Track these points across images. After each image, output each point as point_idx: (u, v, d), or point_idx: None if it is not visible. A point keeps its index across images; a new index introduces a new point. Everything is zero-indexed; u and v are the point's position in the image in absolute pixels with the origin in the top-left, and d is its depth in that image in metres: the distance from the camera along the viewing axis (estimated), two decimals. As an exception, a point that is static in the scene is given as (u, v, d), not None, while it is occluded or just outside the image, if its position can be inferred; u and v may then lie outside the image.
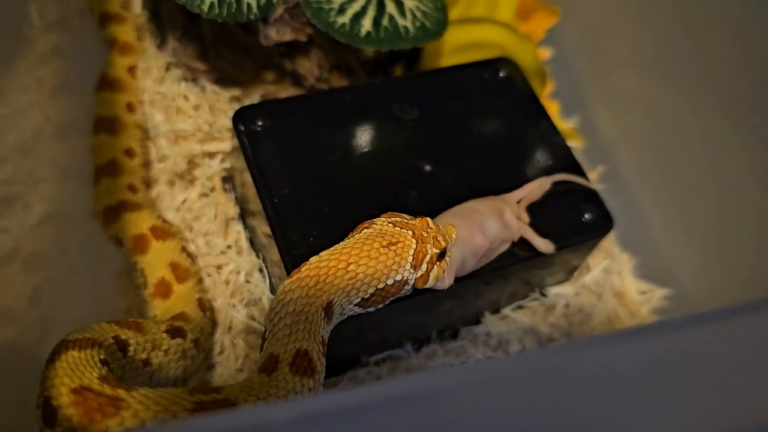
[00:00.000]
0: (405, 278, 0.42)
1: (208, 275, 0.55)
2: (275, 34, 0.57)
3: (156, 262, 0.54)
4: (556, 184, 0.55)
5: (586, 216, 0.54)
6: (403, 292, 0.44)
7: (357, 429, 0.24)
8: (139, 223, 0.56)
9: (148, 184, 0.62)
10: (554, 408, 0.26)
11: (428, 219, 0.44)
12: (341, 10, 0.57)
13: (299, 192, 0.50)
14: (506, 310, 0.59)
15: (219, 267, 0.55)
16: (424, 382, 0.27)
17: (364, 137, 0.54)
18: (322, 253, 0.42)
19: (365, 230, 0.44)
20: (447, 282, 0.45)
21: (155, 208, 0.59)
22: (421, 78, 0.59)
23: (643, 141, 0.72)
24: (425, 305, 0.51)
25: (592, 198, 0.55)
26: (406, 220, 0.44)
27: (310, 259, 0.42)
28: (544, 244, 0.51)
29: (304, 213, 0.49)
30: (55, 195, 0.57)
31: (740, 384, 0.28)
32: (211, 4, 0.52)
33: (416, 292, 0.46)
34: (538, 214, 0.53)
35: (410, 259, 0.42)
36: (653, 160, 0.71)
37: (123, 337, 0.41)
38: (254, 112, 0.53)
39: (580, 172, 0.56)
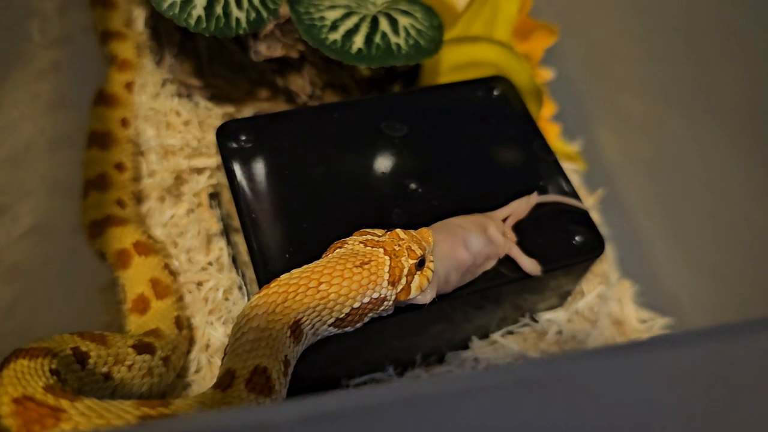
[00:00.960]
0: (382, 295, 0.41)
1: (189, 292, 0.54)
2: (266, 49, 0.57)
3: (137, 277, 0.53)
4: (547, 205, 0.53)
5: (577, 238, 0.52)
6: (381, 309, 0.42)
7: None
8: (123, 238, 0.55)
9: (139, 199, 0.62)
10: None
11: (398, 231, 0.43)
12: (334, 26, 0.57)
13: (279, 208, 0.49)
14: (495, 335, 0.57)
15: (199, 284, 0.54)
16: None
17: (349, 154, 0.53)
18: (293, 271, 0.41)
19: (338, 249, 0.43)
20: (429, 296, 0.43)
21: (143, 223, 0.59)
22: (413, 95, 0.58)
23: (647, 166, 0.70)
24: (409, 327, 0.50)
25: (583, 220, 0.53)
26: (376, 238, 0.43)
27: (281, 276, 0.41)
28: (530, 265, 0.49)
29: (282, 229, 0.48)
30: (43, 207, 0.57)
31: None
32: (199, 18, 0.52)
33: (398, 311, 0.44)
34: (528, 234, 0.51)
35: (386, 276, 0.41)
36: (657, 185, 0.69)
37: (83, 348, 0.40)
38: (239, 126, 0.52)
39: (573, 194, 0.54)
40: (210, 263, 0.55)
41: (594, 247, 0.52)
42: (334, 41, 0.56)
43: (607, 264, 0.66)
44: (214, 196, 0.60)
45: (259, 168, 0.51)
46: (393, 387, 0.27)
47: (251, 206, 0.49)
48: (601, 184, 0.71)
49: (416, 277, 0.42)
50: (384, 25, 0.58)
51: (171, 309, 0.52)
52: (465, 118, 0.57)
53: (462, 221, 0.48)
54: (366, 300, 0.41)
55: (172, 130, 0.60)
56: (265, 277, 0.46)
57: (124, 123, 0.63)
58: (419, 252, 0.42)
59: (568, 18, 0.75)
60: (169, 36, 0.63)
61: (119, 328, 0.55)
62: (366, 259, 0.41)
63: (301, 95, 0.61)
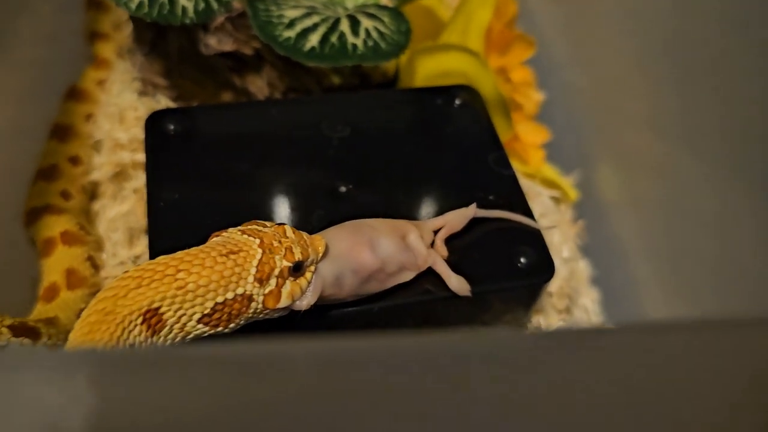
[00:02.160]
0: (248, 293, 0.37)
1: (109, 287, 0.51)
2: (216, 43, 0.55)
3: (55, 266, 0.51)
4: (495, 221, 0.47)
5: (522, 260, 0.46)
6: (254, 312, 0.37)
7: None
8: (54, 226, 0.54)
9: (94, 194, 0.60)
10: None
11: (287, 227, 0.39)
12: (290, 24, 0.54)
13: (191, 202, 0.46)
14: (437, 368, 0.51)
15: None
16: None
17: (280, 152, 0.49)
18: (159, 258, 0.37)
19: (214, 239, 0.39)
20: (306, 300, 0.38)
21: (83, 216, 0.57)
22: (364, 98, 0.54)
23: (647, 206, 0.62)
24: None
25: (533, 240, 0.47)
26: (258, 228, 0.38)
27: (143, 263, 0.37)
28: (457, 282, 0.43)
29: (187, 223, 0.45)
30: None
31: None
32: (140, 3, 0.51)
33: (290, 318, 0.39)
34: (465, 250, 0.46)
35: (253, 270, 0.37)
36: (657, 228, 0.61)
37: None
38: (168, 116, 0.50)
39: (527, 212, 0.48)
40: (132, 259, 0.52)
41: (542, 270, 0.46)
42: (288, 38, 0.53)
43: (589, 305, 0.59)
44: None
45: (181, 159, 0.48)
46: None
47: (161, 196, 0.46)
48: (593, 219, 0.64)
49: (288, 282, 0.37)
50: (344, 25, 0.55)
51: (78, 301, 0.49)
52: (417, 125, 0.52)
53: (377, 223, 0.43)
54: (230, 296, 0.36)
55: (124, 125, 0.59)
56: (157, 269, 0.42)
57: (89, 118, 0.63)
58: (298, 257, 0.37)
59: (573, 40, 0.70)
60: (140, 34, 0.62)
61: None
62: (236, 248, 0.37)
63: (260, 97, 0.58)
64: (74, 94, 0.64)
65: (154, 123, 0.49)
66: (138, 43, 0.63)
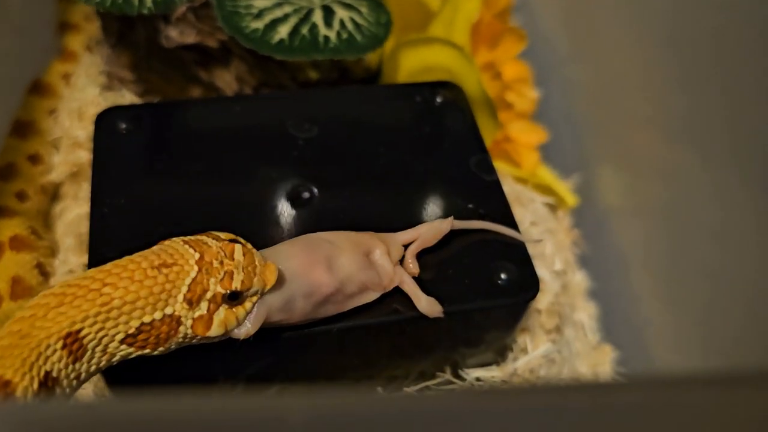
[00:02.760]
0: (177, 314, 0.32)
1: (58, 297, 0.47)
2: (178, 35, 0.51)
3: (0, 273, 0.48)
4: (475, 232, 0.43)
5: (503, 276, 0.41)
6: (183, 335, 0.33)
7: None
8: (4, 230, 0.50)
9: (55, 195, 0.57)
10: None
11: (238, 246, 0.34)
12: (259, 15, 0.50)
13: (138, 205, 0.42)
14: (411, 389, 0.46)
15: (66, 288, 0.48)
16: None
17: (239, 152, 0.45)
18: (88, 271, 0.33)
19: (152, 248, 0.35)
20: (245, 329, 0.34)
21: (38, 219, 0.53)
22: (337, 94, 0.50)
23: (651, 213, 0.57)
24: (269, 360, 0.41)
25: (516, 254, 0.42)
26: (204, 240, 0.34)
27: (71, 278, 0.33)
28: (427, 304, 0.39)
29: (131, 229, 0.41)
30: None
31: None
32: (93, -9, 0.47)
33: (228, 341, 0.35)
34: (438, 265, 0.41)
35: (184, 289, 0.32)
36: (660, 236, 0.56)
37: None
38: (121, 113, 0.46)
39: (511, 222, 0.44)
40: (81, 266, 0.49)
41: (525, 287, 0.41)
42: (255, 30, 0.49)
43: (586, 321, 0.54)
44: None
45: (134, 160, 0.44)
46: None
47: (106, 199, 0.42)
48: (592, 226, 0.59)
49: (222, 309, 0.33)
50: (317, 16, 0.50)
51: (21, 313, 0.45)
52: (392, 125, 0.48)
53: (336, 237, 0.38)
54: (158, 315, 0.32)
55: (83, 122, 0.55)
56: (94, 282, 0.38)
57: (52, 114, 0.59)
58: (236, 286, 0.33)
59: (573, 33, 0.65)
60: (108, 26, 0.58)
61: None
62: (169, 261, 0.33)
63: (228, 93, 0.54)
64: (38, 88, 0.60)
65: (104, 121, 0.45)
66: (105, 35, 0.59)
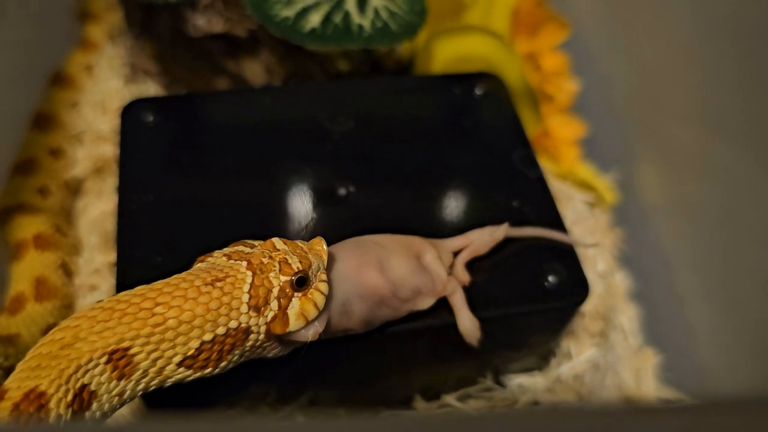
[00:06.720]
0: (244, 325, 0.30)
1: (83, 297, 0.46)
2: (205, 24, 0.49)
3: (24, 273, 0.46)
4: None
5: (551, 279, 0.39)
6: (253, 346, 0.31)
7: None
8: (28, 228, 0.48)
9: (78, 191, 0.55)
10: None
11: (275, 239, 0.32)
12: (289, 2, 0.48)
13: (168, 203, 0.40)
14: (449, 398, 0.44)
15: (92, 287, 0.46)
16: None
17: (271, 147, 0.43)
18: (136, 288, 0.31)
19: (198, 265, 0.33)
20: (312, 331, 0.32)
21: (61, 216, 0.52)
22: (371, 86, 0.48)
23: (696, 211, 0.55)
24: (313, 370, 0.39)
25: (565, 257, 0.40)
26: (246, 250, 0.32)
27: (120, 294, 0.31)
28: (470, 325, 0.36)
29: (161, 228, 0.39)
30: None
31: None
32: (116, -22, 0.45)
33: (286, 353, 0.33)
34: (485, 266, 0.39)
35: (245, 298, 0.30)
36: (706, 236, 0.54)
37: None
38: (148, 106, 0.44)
39: (557, 222, 0.41)
40: (107, 266, 0.47)
41: (573, 291, 0.39)
42: (285, 18, 0.47)
43: (627, 324, 0.52)
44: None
45: (162, 155, 0.42)
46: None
47: (134, 196, 0.40)
48: (633, 225, 0.57)
49: (295, 300, 0.31)
50: (350, 4, 0.48)
51: (47, 315, 0.44)
52: (430, 118, 0.46)
53: (385, 239, 0.36)
54: (221, 332, 0.30)
55: (107, 116, 0.53)
56: (123, 282, 0.37)
57: (74, 107, 0.57)
58: (297, 266, 0.31)
59: (613, 22, 0.62)
60: (130, 15, 0.56)
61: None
62: (221, 276, 0.31)
63: (256, 84, 0.52)
64: (59, 80, 0.59)
65: (130, 114, 0.44)
66: (128, 25, 0.57)
